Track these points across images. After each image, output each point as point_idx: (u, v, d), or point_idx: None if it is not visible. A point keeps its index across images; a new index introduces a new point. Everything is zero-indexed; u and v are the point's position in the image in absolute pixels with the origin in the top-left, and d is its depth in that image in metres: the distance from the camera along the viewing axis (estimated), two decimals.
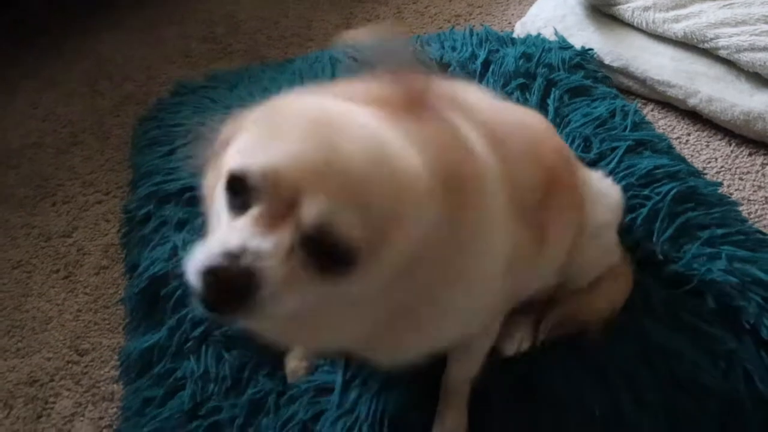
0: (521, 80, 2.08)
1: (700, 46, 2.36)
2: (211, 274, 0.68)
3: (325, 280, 0.73)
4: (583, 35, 2.58)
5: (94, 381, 1.80)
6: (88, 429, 1.70)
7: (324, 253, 0.71)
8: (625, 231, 1.66)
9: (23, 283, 2.07)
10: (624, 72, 2.51)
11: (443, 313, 0.91)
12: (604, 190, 1.49)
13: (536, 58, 2.17)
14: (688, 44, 2.39)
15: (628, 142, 1.90)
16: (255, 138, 0.76)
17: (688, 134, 2.37)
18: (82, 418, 1.73)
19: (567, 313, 1.48)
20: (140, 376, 1.62)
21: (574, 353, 1.48)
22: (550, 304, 1.50)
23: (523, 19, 2.80)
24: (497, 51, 2.21)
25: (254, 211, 0.72)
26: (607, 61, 2.52)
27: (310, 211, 0.69)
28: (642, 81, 2.48)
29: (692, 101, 2.36)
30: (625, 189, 1.76)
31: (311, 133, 0.72)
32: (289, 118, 0.76)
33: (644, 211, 1.73)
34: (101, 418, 1.72)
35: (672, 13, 2.43)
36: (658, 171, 1.82)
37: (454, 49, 2.24)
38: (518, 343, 1.46)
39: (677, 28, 2.39)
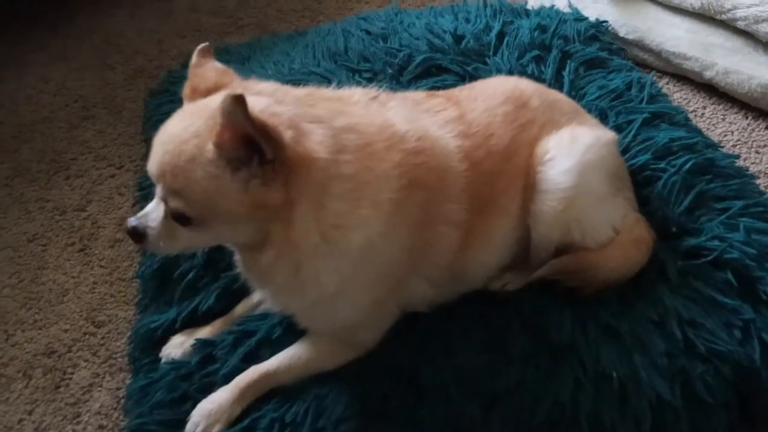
0: (536, 52, 2.06)
1: (718, 17, 2.32)
2: (127, 229, 1.29)
3: (188, 230, 1.22)
4: (597, 7, 2.55)
5: (111, 352, 1.82)
6: (106, 399, 1.72)
7: (174, 215, 1.21)
8: (641, 203, 1.66)
9: (39, 256, 2.08)
10: (639, 44, 2.48)
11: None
12: (586, 146, 1.50)
13: (551, 29, 2.15)
14: (704, 15, 2.35)
15: (644, 115, 1.88)
16: (152, 144, 1.25)
17: (704, 107, 2.35)
18: (100, 389, 1.75)
19: (572, 264, 1.50)
20: (146, 354, 1.65)
21: (589, 313, 1.49)
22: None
23: None
24: (512, 23, 2.18)
25: (155, 193, 1.25)
26: (621, 34, 2.50)
27: (158, 197, 1.24)
28: (657, 53, 2.45)
29: (708, 74, 2.34)
30: (642, 162, 1.76)
31: (157, 152, 1.21)
32: (159, 133, 1.24)
33: (660, 183, 1.72)
34: (119, 389, 1.74)
35: None
36: (674, 143, 1.80)
37: (467, 20, 2.22)
38: (503, 281, 1.54)
39: None
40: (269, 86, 1.31)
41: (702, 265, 1.55)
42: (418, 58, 2.03)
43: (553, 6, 2.49)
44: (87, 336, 1.87)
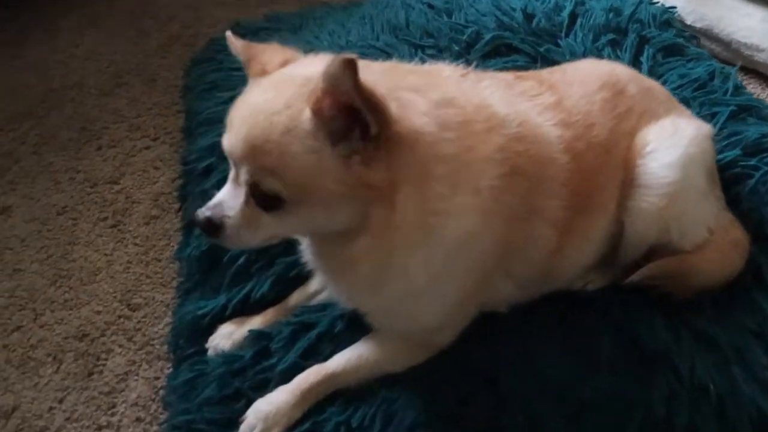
0: (612, 36, 1.92)
1: None
2: (195, 219, 1.12)
3: (273, 216, 1.07)
4: None
5: (147, 338, 1.69)
6: (143, 389, 1.59)
7: (262, 199, 1.05)
8: (729, 202, 1.53)
9: (69, 231, 1.94)
10: (707, 34, 2.35)
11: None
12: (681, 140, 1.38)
13: (626, 12, 2.00)
14: None
15: (730, 107, 1.75)
16: (227, 119, 1.09)
17: None
18: (136, 378, 1.62)
19: (671, 268, 1.38)
20: (190, 344, 1.51)
21: (681, 319, 1.37)
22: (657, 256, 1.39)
23: None
24: (583, 3, 2.04)
25: (230, 175, 1.10)
26: (688, 22, 2.37)
27: (243, 177, 1.06)
28: (726, 44, 2.32)
29: None
30: (730, 158, 1.63)
31: (239, 129, 1.04)
32: (237, 109, 1.08)
33: (751, 182, 1.59)
34: (157, 378, 1.61)
35: None
36: (765, 140, 1.66)
37: None
38: (585, 280, 1.43)
39: None
40: None
41: None
42: (487, 36, 1.89)
43: None
44: (122, 319, 1.73)
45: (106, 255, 1.87)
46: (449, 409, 1.29)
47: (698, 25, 2.35)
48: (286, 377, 1.35)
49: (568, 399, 1.29)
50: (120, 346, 1.68)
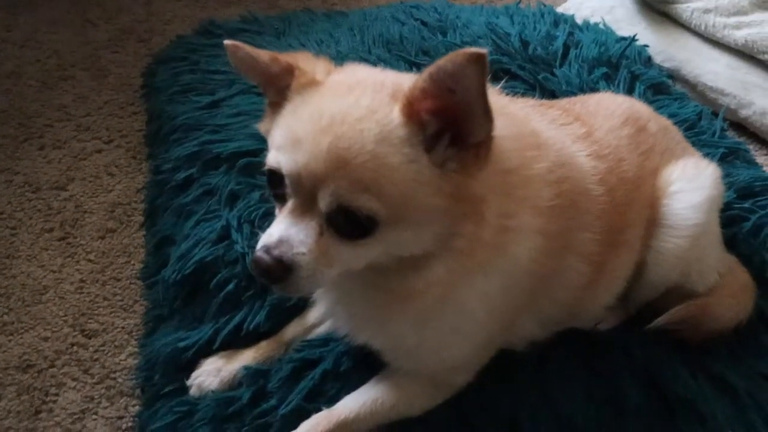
0: (604, 69, 1.91)
1: (760, 56, 2.26)
2: (256, 264, 0.92)
3: (356, 245, 0.93)
4: (633, 30, 2.43)
5: (107, 371, 1.48)
6: (104, 430, 1.38)
7: (349, 225, 0.90)
8: (727, 245, 1.53)
9: (6, 242, 1.68)
10: (674, 74, 2.39)
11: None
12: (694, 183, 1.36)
13: (613, 47, 2.00)
14: (746, 53, 2.30)
15: (720, 150, 1.77)
16: (284, 137, 0.94)
17: None
18: (95, 417, 1.40)
19: (694, 313, 1.35)
20: (169, 380, 1.33)
21: (698, 363, 1.35)
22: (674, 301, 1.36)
23: (566, 4, 2.63)
24: (573, 34, 2.02)
25: (289, 205, 0.93)
26: (657, 61, 2.40)
27: (324, 202, 0.90)
28: (693, 86, 2.37)
29: (744, 112, 2.27)
30: (725, 201, 1.64)
31: (323, 139, 0.88)
32: (301, 122, 0.93)
33: (748, 225, 1.60)
34: (120, 418, 1.41)
35: (733, 19, 2.32)
36: (756, 183, 1.69)
37: (524, 25, 2.03)
38: (598, 320, 1.39)
39: (738, 36, 2.29)
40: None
41: None
42: None
43: (589, 23, 2.36)
44: (75, 347, 1.51)
45: (53, 272, 1.63)
46: None
47: (666, 65, 2.39)
48: (289, 422, 1.21)
49: None
50: (74, 379, 1.45)
